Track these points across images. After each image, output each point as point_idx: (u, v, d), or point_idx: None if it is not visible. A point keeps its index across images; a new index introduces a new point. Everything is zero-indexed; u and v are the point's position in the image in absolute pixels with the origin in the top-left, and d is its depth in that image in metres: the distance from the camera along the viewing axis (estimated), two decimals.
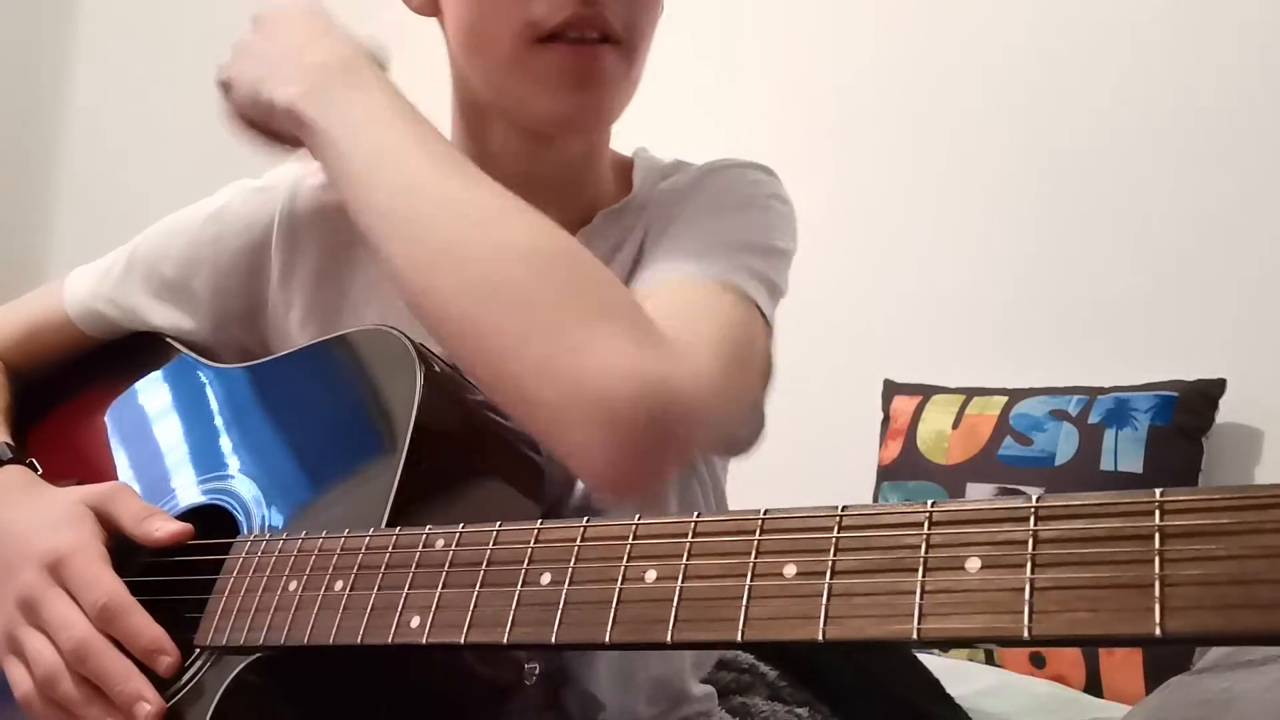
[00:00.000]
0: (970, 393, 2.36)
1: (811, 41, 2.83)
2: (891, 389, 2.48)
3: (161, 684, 0.87)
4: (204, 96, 3.75)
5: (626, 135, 1.14)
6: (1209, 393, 2.17)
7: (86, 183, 3.80)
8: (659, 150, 1.21)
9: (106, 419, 1.17)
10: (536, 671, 0.86)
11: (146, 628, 0.87)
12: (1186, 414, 2.14)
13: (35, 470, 1.07)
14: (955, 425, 2.31)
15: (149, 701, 0.85)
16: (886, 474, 2.41)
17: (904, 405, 2.42)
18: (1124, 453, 2.12)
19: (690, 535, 0.60)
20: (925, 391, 2.43)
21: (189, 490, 1.01)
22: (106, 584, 0.88)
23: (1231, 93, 2.32)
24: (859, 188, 2.68)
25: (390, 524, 0.81)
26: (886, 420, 2.43)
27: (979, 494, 2.21)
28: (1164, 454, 2.12)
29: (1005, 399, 2.30)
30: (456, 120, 1.10)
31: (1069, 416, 2.20)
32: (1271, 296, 2.22)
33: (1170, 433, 2.13)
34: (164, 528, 0.92)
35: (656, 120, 2.40)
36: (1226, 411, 2.18)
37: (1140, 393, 2.18)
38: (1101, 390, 2.22)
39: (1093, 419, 2.17)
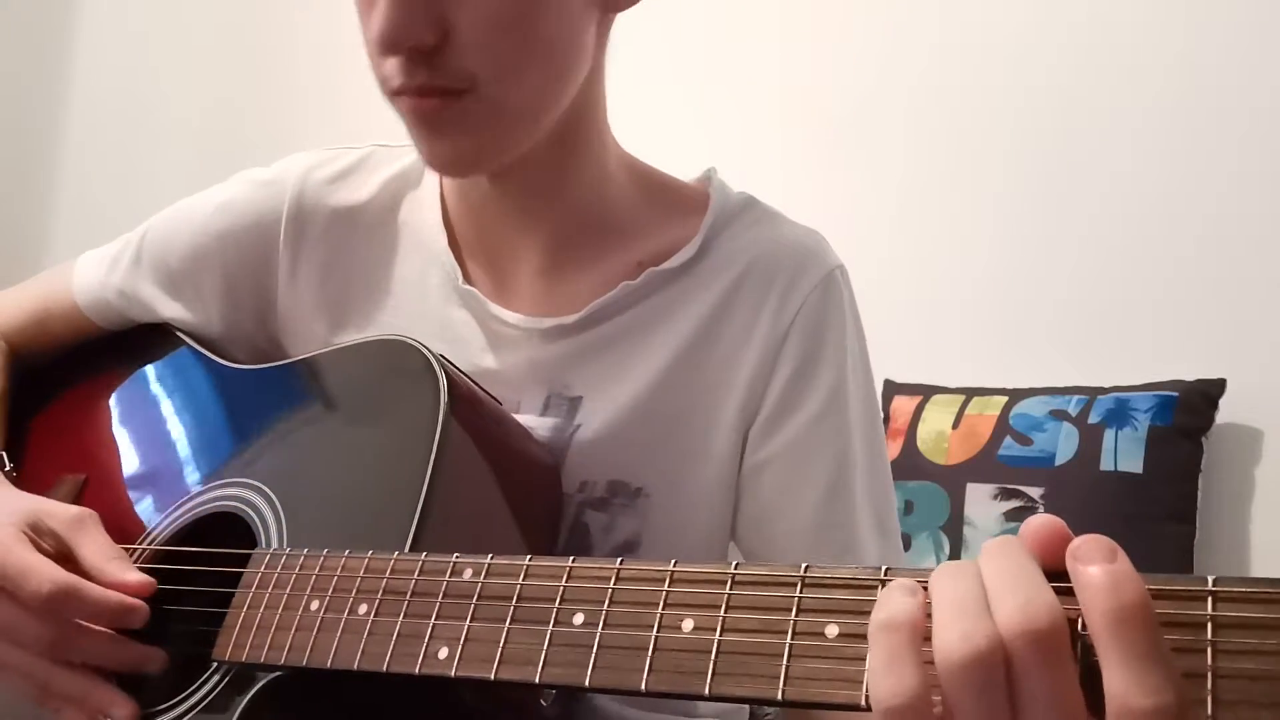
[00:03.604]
0: (970, 393, 2.36)
1: (813, 42, 2.81)
2: (891, 389, 2.47)
3: (178, 698, 0.87)
4: (204, 89, 3.75)
5: (631, 139, 1.13)
6: (1209, 393, 2.16)
7: (86, 174, 3.78)
8: (667, 155, 1.20)
9: (117, 413, 1.17)
10: (554, 694, 0.86)
11: (103, 598, 0.88)
12: (1186, 414, 2.14)
13: (3, 466, 1.07)
14: (955, 425, 2.31)
15: (154, 658, 0.89)
16: None
17: (904, 405, 2.42)
18: (1124, 453, 2.12)
19: (729, 586, 0.60)
20: (925, 391, 2.42)
21: (202, 494, 1.01)
22: (40, 570, 0.87)
23: (1232, 93, 2.31)
24: (859, 188, 2.67)
25: (415, 540, 0.81)
26: (886, 420, 2.42)
27: (979, 494, 2.22)
28: (1164, 454, 2.11)
29: (1005, 399, 2.29)
30: None
31: (1069, 416, 2.20)
32: (1271, 296, 2.22)
33: (1170, 433, 2.13)
34: (130, 577, 0.90)
35: (661, 123, 2.41)
36: (1226, 411, 2.18)
37: (1140, 393, 2.18)
38: (1101, 390, 2.22)
39: (1093, 419, 2.17)
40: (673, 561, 0.63)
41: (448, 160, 0.99)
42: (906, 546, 2.24)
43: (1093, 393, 2.22)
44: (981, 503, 2.21)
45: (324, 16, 3.44)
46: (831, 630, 0.55)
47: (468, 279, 1.09)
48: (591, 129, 1.07)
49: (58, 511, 0.95)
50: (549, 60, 0.97)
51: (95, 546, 0.92)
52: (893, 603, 0.53)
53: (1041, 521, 0.53)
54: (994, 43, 2.60)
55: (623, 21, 1.05)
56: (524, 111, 0.97)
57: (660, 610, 0.61)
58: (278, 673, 0.81)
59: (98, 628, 0.89)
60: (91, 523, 0.95)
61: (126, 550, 0.96)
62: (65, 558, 0.91)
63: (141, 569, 0.93)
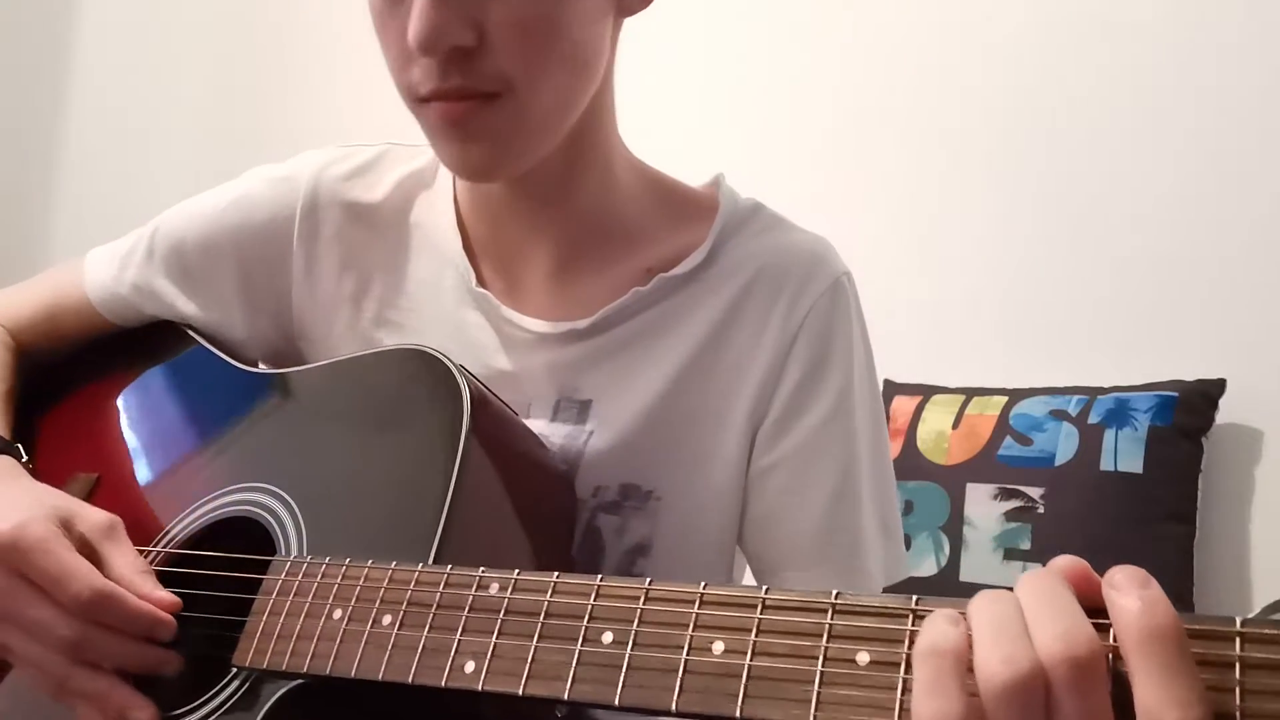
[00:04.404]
0: (970, 393, 2.36)
1: (811, 42, 2.82)
2: (891, 389, 2.47)
3: (198, 702, 0.88)
4: (203, 85, 3.74)
5: (636, 141, 1.13)
6: (1209, 393, 2.17)
7: (85, 174, 3.78)
8: (670, 155, 1.20)
9: (131, 412, 1.17)
10: (567, 709, 0.87)
11: (139, 609, 0.88)
12: (1186, 414, 2.14)
13: (20, 458, 1.07)
14: (955, 425, 2.31)
15: (171, 661, 0.90)
16: None
17: (904, 405, 2.42)
18: (1124, 453, 2.12)
19: (759, 610, 0.60)
20: (925, 391, 2.42)
21: (219, 498, 1.01)
22: (82, 574, 0.87)
23: (1231, 92, 2.31)
24: (858, 188, 2.68)
25: (439, 550, 0.82)
26: (886, 420, 2.40)
27: (979, 494, 2.22)
28: (1164, 454, 2.12)
29: (1005, 399, 2.30)
30: None
31: (1069, 416, 2.20)
32: (1271, 296, 2.22)
33: (1170, 433, 2.13)
34: (161, 594, 0.91)
35: (663, 123, 2.41)
36: (1226, 411, 2.18)
37: (1140, 393, 2.18)
38: (1101, 390, 2.23)
39: (1093, 419, 2.18)
40: (702, 584, 0.63)
41: (476, 166, 0.99)
42: (906, 546, 2.23)
43: (1093, 393, 2.23)
44: (981, 503, 2.22)
45: (324, 16, 3.45)
46: (863, 657, 0.56)
47: (481, 282, 1.10)
48: (600, 135, 1.08)
49: (89, 515, 0.95)
50: (574, 62, 0.97)
51: (126, 559, 0.93)
52: (937, 629, 0.54)
53: (1068, 561, 0.55)
54: (995, 39, 2.60)
55: (628, 25, 1.06)
56: (550, 115, 0.98)
57: (690, 632, 0.62)
58: (298, 680, 0.82)
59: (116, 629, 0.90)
60: (121, 531, 0.95)
61: (142, 553, 0.97)
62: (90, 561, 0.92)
63: (158, 571, 0.94)
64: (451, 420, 0.88)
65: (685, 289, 1.07)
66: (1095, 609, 0.52)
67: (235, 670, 0.86)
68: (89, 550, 0.92)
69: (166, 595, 0.91)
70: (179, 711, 0.88)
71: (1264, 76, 2.29)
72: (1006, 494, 2.19)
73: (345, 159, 1.17)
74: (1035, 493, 2.17)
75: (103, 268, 1.22)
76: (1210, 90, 2.34)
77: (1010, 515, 2.17)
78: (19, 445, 1.09)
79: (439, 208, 1.14)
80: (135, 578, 0.91)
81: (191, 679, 0.90)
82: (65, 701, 0.90)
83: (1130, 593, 0.51)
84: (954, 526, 2.24)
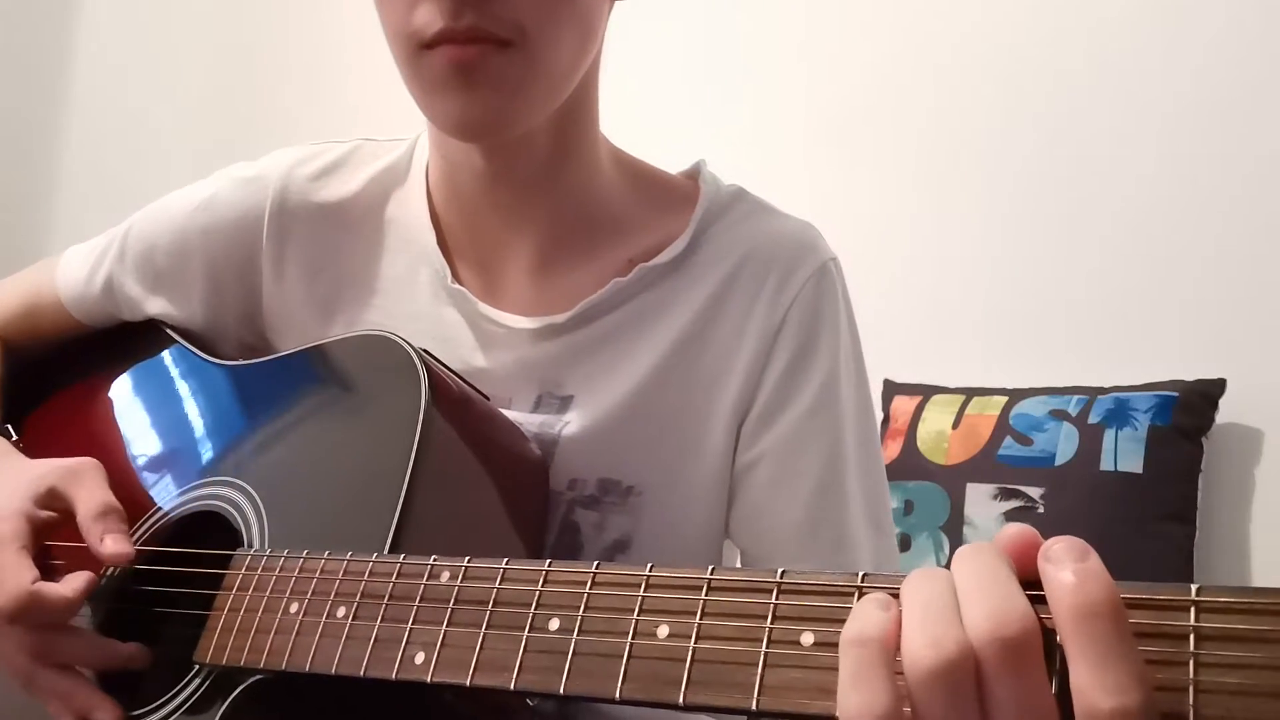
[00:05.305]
0: (970, 393, 2.35)
1: (812, 40, 2.81)
2: (891, 389, 2.46)
3: (162, 700, 0.86)
4: (202, 89, 3.74)
5: (622, 135, 1.12)
6: (1209, 393, 2.16)
7: (87, 176, 3.79)
8: (658, 150, 1.18)
9: (104, 412, 1.16)
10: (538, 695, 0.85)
11: (61, 602, 0.87)
12: (1186, 414, 2.13)
13: (10, 436, 1.07)
14: (955, 425, 2.30)
15: (138, 658, 0.90)
16: (886, 474, 2.38)
17: (904, 405, 2.41)
18: (1124, 453, 2.11)
19: (704, 591, 0.58)
20: (925, 391, 2.41)
21: (187, 492, 1.00)
22: (10, 581, 0.87)
23: (1231, 92, 2.30)
24: (858, 187, 2.67)
25: (395, 539, 0.80)
26: (886, 420, 2.42)
27: (979, 494, 2.21)
28: (1164, 454, 2.11)
29: (1005, 399, 2.28)
30: (429, 130, 1.08)
31: (1069, 416, 2.19)
32: (1271, 296, 2.21)
33: (1170, 433, 2.12)
34: (114, 547, 0.90)
35: (665, 120, 2.40)
36: (1226, 411, 2.17)
37: (1140, 393, 2.17)
38: (1101, 390, 2.21)
39: (1093, 419, 2.16)
40: (649, 566, 0.62)
41: (476, 119, 0.94)
42: (906, 546, 2.24)
43: (1093, 393, 2.22)
44: (981, 503, 2.20)
45: (323, 14, 3.45)
46: (807, 638, 0.54)
47: (457, 278, 1.07)
48: (587, 119, 1.06)
49: (57, 467, 0.96)
50: (583, 27, 0.95)
51: (87, 504, 0.92)
52: (864, 616, 0.51)
53: (1015, 531, 0.52)
54: (995, 40, 2.59)
55: (632, 20, 1.04)
56: (555, 76, 0.95)
57: (635, 616, 0.60)
58: (257, 675, 0.80)
59: (78, 629, 0.90)
60: (88, 473, 0.95)
61: None
62: (70, 515, 0.92)
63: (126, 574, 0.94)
64: (410, 404, 0.87)
65: (667, 279, 1.05)
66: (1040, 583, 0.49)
67: (197, 667, 0.85)
68: (63, 504, 0.93)
69: (113, 548, 0.89)
70: (143, 711, 0.87)
71: (1264, 77, 2.28)
72: (1006, 494, 2.18)
73: (315, 157, 1.15)
74: (1035, 493, 2.16)
75: (75, 269, 1.21)
76: (1211, 91, 2.33)
77: (1010, 515, 2.16)
78: (9, 425, 1.08)
79: (412, 204, 1.11)
80: (91, 526, 0.91)
81: (160, 677, 0.89)
82: (36, 698, 0.89)
83: (1065, 566, 0.47)
84: (954, 526, 2.23)
